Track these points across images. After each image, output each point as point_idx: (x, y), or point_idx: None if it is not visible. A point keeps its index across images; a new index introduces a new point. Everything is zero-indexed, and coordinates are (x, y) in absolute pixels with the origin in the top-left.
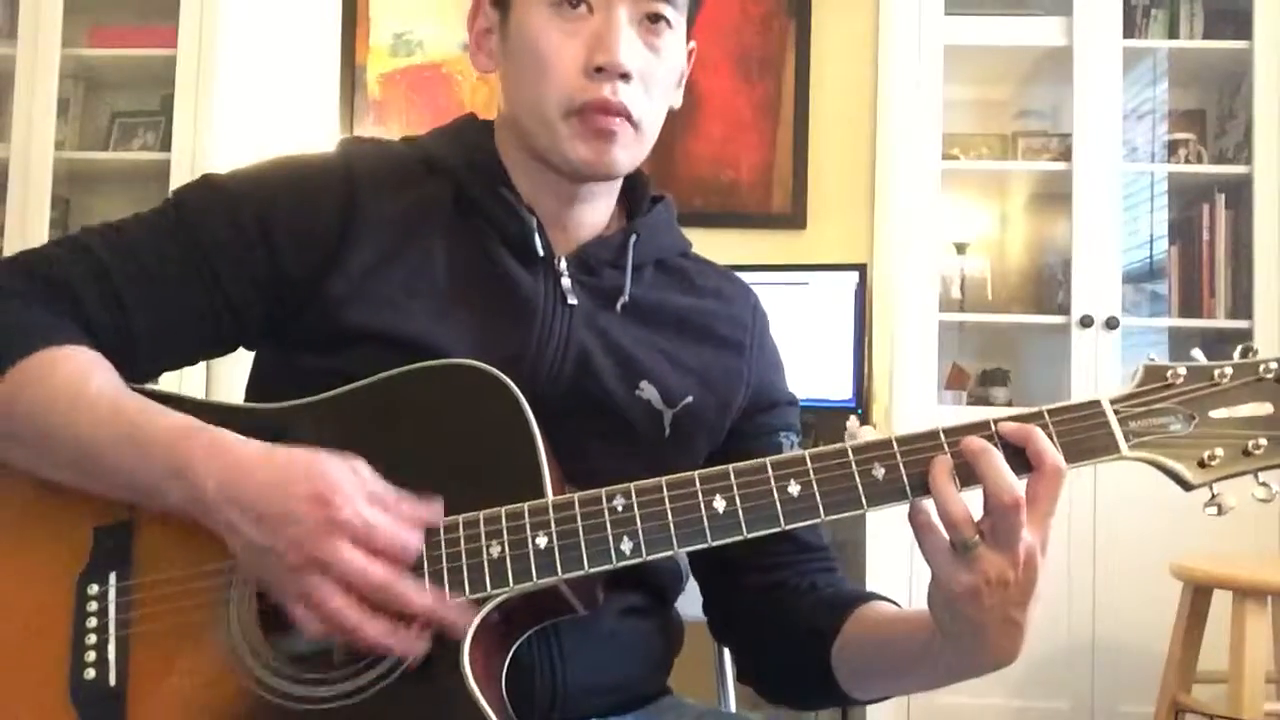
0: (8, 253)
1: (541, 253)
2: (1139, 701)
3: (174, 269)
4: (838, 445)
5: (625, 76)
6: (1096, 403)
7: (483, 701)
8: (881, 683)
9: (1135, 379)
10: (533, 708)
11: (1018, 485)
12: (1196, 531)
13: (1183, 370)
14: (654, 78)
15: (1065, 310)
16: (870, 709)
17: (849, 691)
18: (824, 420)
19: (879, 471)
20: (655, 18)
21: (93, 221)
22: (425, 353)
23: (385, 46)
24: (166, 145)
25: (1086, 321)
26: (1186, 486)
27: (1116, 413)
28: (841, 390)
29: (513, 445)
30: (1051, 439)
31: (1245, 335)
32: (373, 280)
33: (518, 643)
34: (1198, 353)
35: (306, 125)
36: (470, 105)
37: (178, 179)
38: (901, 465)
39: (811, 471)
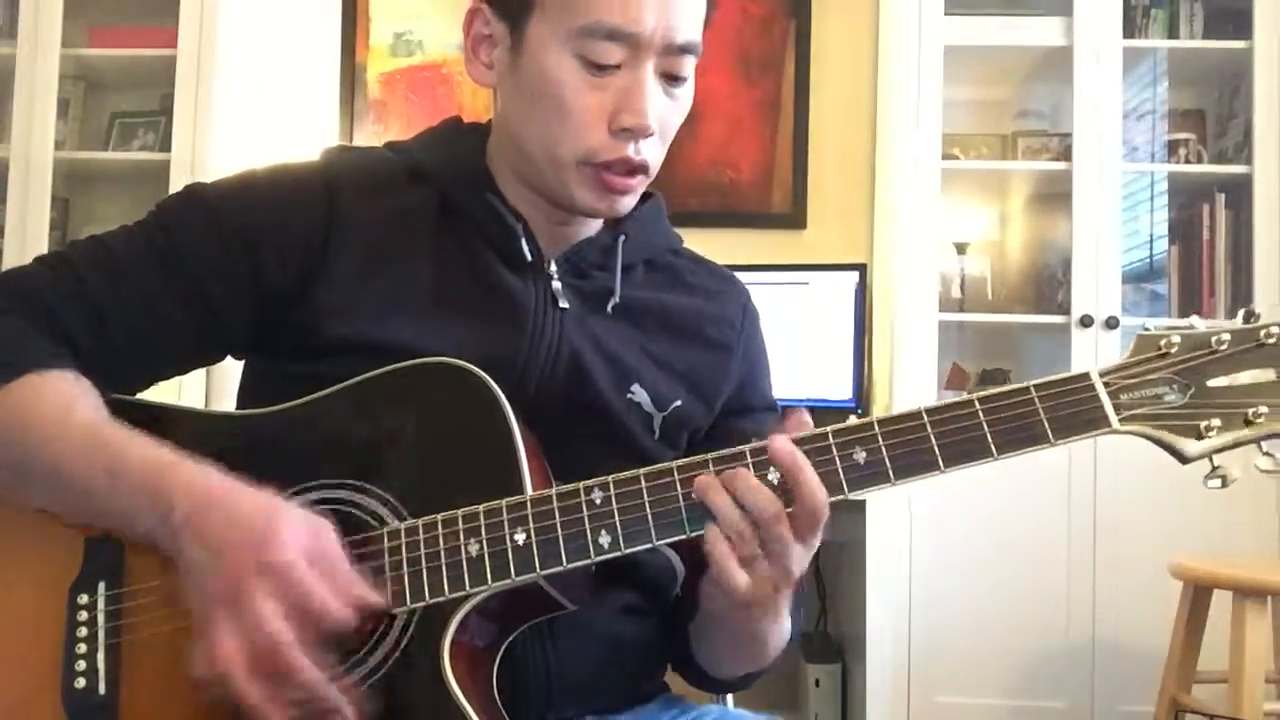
0: (7, 252)
1: (530, 257)
2: (1139, 701)
3: (157, 285)
4: (819, 430)
5: (648, 135)
6: (1085, 375)
7: (466, 705)
8: (710, 651)
9: (1129, 350)
10: (528, 706)
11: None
12: (1196, 531)
13: (1176, 338)
14: (670, 125)
15: (1065, 310)
16: (870, 708)
17: (703, 666)
18: (823, 420)
19: (860, 455)
20: (676, 79)
21: (92, 222)
22: (411, 359)
23: (385, 46)
24: (166, 145)
25: (1086, 321)
26: (1182, 459)
27: (1107, 385)
28: (841, 390)
29: (492, 441)
30: (1040, 415)
31: None
32: (357, 289)
33: (507, 642)
34: (1196, 319)
35: (306, 125)
36: (471, 107)
37: (177, 179)
38: (883, 448)
39: None
